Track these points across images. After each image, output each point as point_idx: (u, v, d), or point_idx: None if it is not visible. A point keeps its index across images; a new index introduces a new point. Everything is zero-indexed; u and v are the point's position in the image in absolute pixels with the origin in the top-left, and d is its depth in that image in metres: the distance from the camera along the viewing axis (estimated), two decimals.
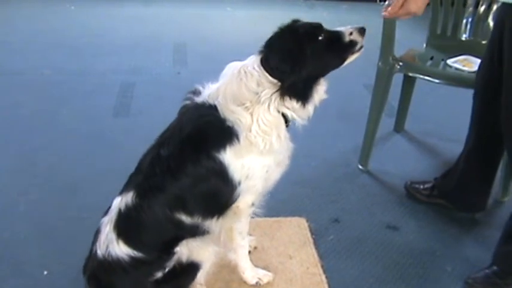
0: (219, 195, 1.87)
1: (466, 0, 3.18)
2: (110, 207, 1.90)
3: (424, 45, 3.26)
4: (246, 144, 1.80)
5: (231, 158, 1.80)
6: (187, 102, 1.91)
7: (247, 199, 1.93)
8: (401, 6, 2.04)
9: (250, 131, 1.79)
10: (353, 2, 6.51)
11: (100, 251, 1.84)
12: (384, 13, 2.13)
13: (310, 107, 1.87)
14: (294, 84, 1.80)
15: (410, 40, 3.38)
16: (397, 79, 3.07)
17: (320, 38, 1.83)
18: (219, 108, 1.80)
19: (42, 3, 5.99)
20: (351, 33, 1.89)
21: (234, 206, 1.92)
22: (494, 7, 3.07)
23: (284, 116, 1.85)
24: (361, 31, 1.90)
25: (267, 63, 1.80)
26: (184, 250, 1.88)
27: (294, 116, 1.86)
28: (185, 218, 1.84)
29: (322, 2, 6.46)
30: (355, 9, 6.23)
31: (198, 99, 1.87)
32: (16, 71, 4.27)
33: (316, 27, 1.85)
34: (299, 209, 2.70)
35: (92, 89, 4.01)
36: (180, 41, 5.00)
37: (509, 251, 2.22)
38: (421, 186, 2.79)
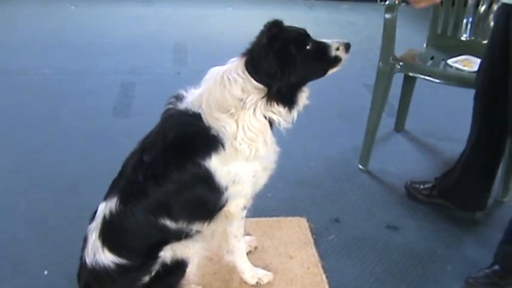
0: (205, 201, 1.86)
1: (467, 0, 3.18)
2: (95, 212, 1.88)
3: (425, 45, 3.26)
4: (231, 151, 1.79)
5: (216, 164, 1.79)
6: (170, 106, 1.88)
7: (237, 203, 1.93)
8: None
9: (235, 138, 1.78)
10: (353, 1, 6.49)
11: (88, 259, 1.84)
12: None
13: (295, 112, 1.87)
14: (281, 90, 1.79)
15: (411, 40, 3.38)
16: (398, 79, 3.07)
17: (308, 47, 1.84)
18: (203, 116, 1.78)
19: (43, 3, 5.99)
20: (337, 48, 1.90)
21: (225, 209, 1.91)
22: (495, 7, 3.07)
23: (269, 120, 1.85)
24: (347, 46, 1.92)
25: (253, 67, 1.79)
26: (168, 253, 1.86)
27: (280, 120, 1.86)
28: (170, 224, 1.82)
29: (322, 1, 6.45)
30: (356, 9, 6.22)
31: (181, 106, 1.85)
32: (16, 71, 4.27)
33: (305, 36, 1.86)
34: (299, 208, 2.70)
35: (92, 89, 4.01)
36: (180, 41, 5.00)
37: (510, 252, 2.22)
38: (421, 186, 2.79)
